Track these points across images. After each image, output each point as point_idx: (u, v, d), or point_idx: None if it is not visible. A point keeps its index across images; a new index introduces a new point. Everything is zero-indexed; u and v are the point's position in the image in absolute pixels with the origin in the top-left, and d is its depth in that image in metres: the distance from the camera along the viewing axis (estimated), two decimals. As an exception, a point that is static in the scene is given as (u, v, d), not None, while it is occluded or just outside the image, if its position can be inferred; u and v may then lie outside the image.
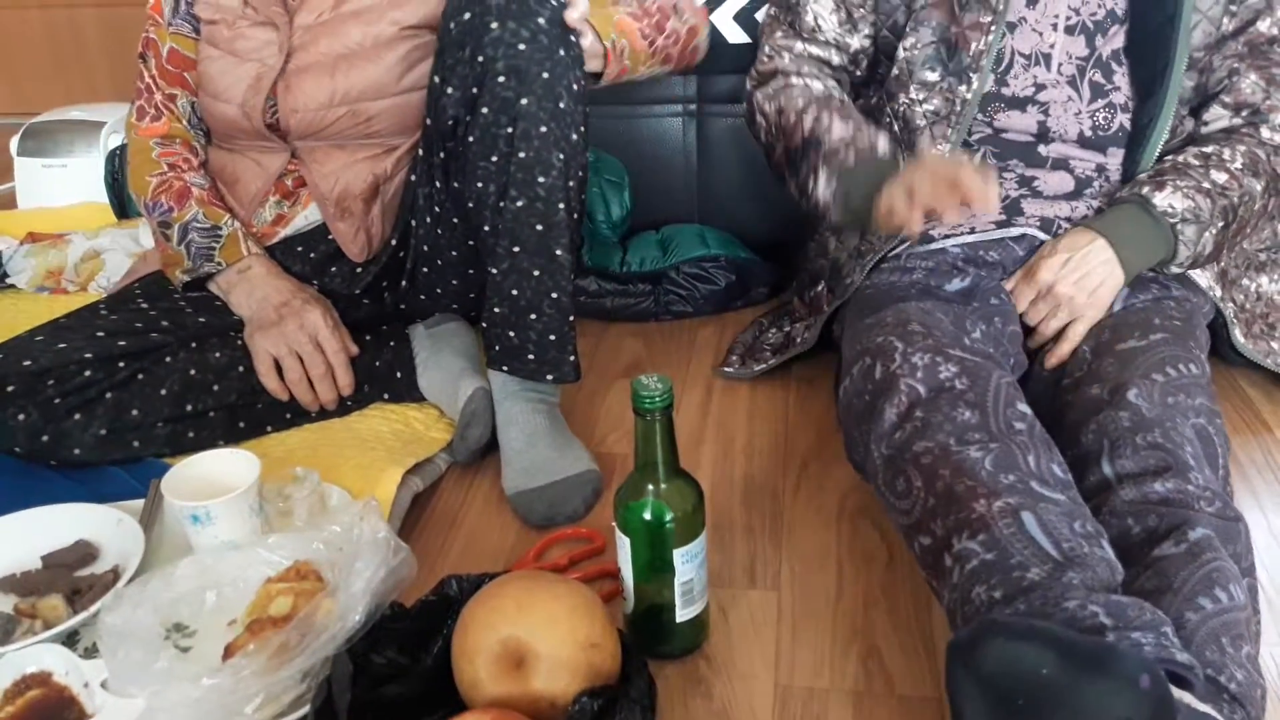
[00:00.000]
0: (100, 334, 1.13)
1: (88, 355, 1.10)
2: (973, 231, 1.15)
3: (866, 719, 0.83)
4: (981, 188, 0.93)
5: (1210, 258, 1.11)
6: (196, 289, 1.23)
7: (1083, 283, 1.05)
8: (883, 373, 0.90)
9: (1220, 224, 1.08)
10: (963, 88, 1.12)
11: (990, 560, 0.74)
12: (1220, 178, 1.08)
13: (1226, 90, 1.14)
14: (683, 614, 0.87)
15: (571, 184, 1.07)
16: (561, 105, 1.03)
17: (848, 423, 0.96)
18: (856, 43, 1.23)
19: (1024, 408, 0.86)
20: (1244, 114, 1.13)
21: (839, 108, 1.17)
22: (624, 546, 0.86)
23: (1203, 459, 0.86)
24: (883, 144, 1.11)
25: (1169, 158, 1.12)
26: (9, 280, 1.63)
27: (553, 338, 1.10)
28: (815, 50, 1.25)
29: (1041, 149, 1.14)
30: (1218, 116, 1.14)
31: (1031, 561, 0.73)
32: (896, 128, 1.18)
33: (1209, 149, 1.11)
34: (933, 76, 1.14)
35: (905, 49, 1.16)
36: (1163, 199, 1.06)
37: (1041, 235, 1.12)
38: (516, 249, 1.07)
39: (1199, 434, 0.88)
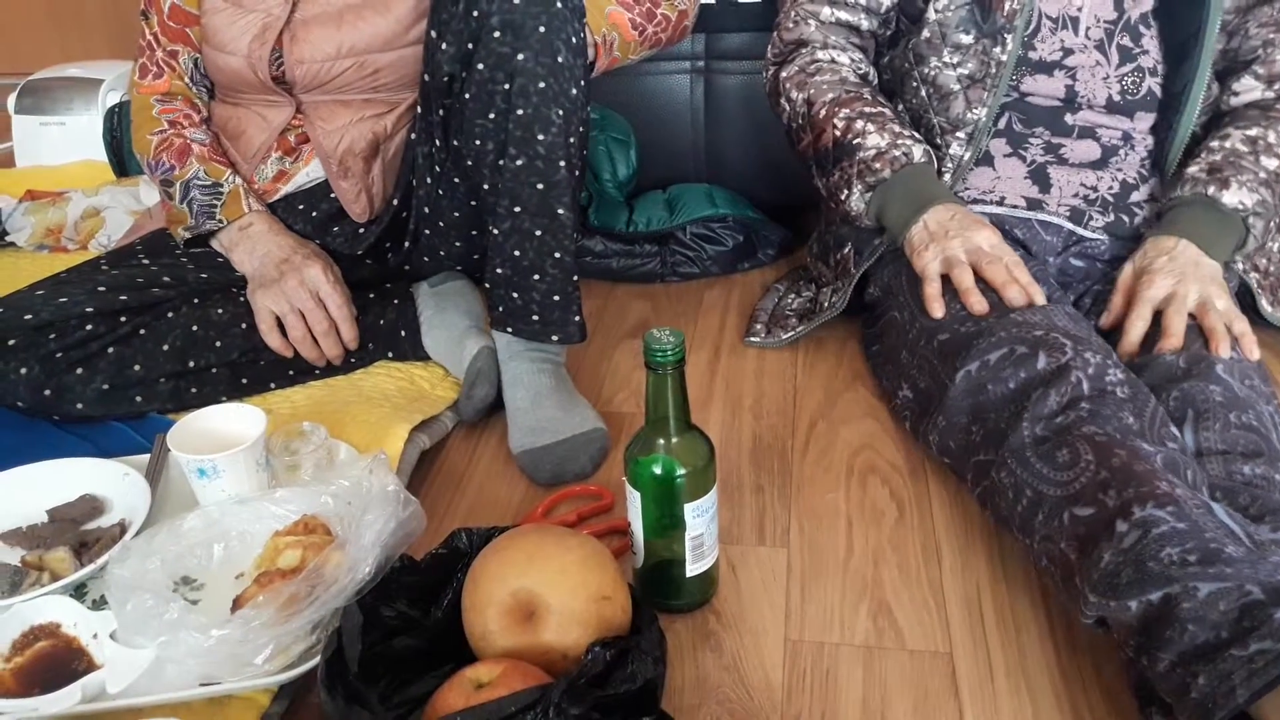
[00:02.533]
0: (101, 288, 1.12)
1: (88, 309, 1.09)
2: (1001, 202, 1.14)
3: (876, 673, 0.83)
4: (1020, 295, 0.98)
5: (1261, 248, 1.10)
6: (199, 245, 1.22)
7: (1199, 271, 1.01)
8: (1049, 363, 0.88)
9: (1278, 212, 1.07)
10: (997, 50, 1.10)
11: (1183, 528, 0.71)
12: (1272, 164, 1.07)
13: (1260, 61, 1.12)
14: (693, 569, 0.87)
15: (572, 140, 1.05)
16: (560, 60, 1.01)
17: (959, 407, 0.94)
18: (888, 0, 1.21)
19: (1174, 431, 0.85)
20: (1277, 87, 1.12)
21: (870, 105, 1.15)
22: (634, 501, 0.85)
23: None
24: (918, 152, 1.11)
25: (1214, 144, 1.10)
26: (9, 238, 1.62)
27: (557, 298, 1.09)
28: (844, 15, 1.22)
29: (1068, 118, 1.13)
30: (1249, 88, 1.12)
31: (1226, 541, 0.71)
32: (926, 93, 1.16)
33: (1253, 132, 1.09)
34: (967, 39, 1.12)
35: (937, 11, 1.13)
36: (1231, 197, 1.04)
37: (1070, 226, 1.11)
38: (518, 209, 1.05)
39: (1273, 419, 0.88)
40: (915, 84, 1.17)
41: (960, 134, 1.14)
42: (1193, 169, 1.09)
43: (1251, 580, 0.68)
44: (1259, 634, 0.65)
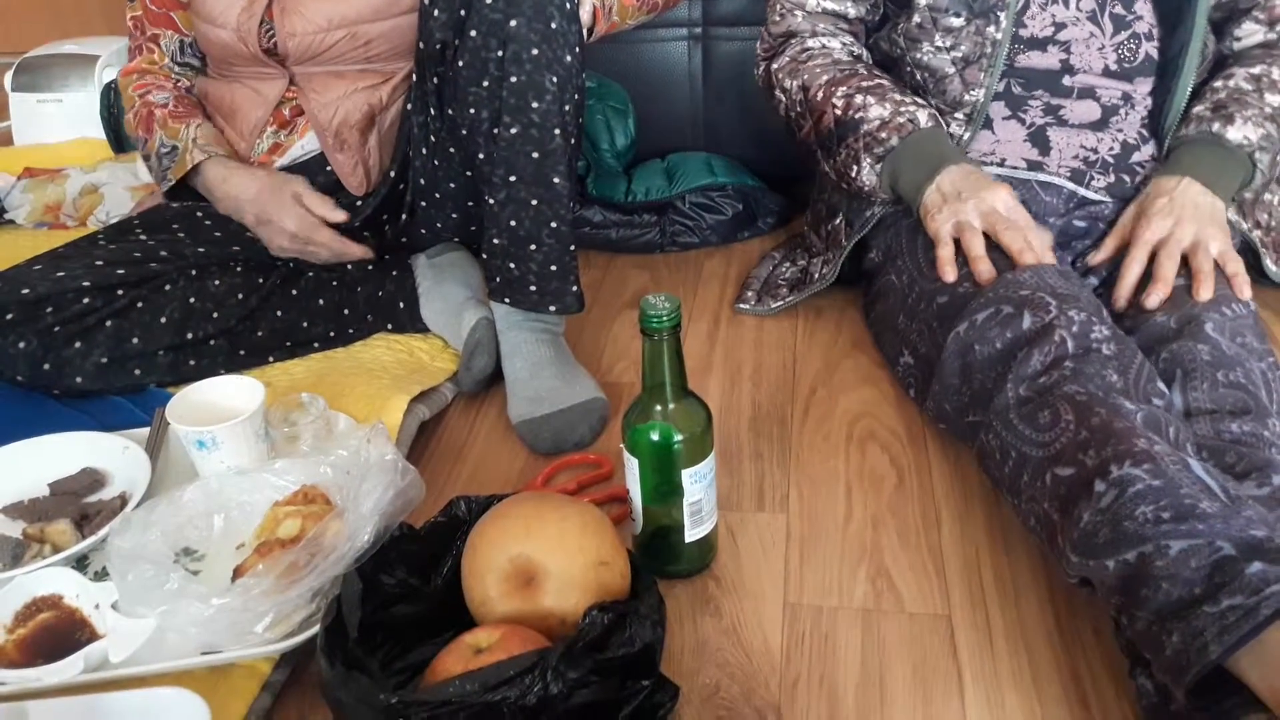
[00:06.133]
0: (99, 263, 1.12)
1: (86, 283, 1.09)
2: (1001, 164, 1.12)
3: (875, 636, 0.83)
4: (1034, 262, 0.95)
5: (1269, 183, 1.09)
6: (188, 217, 1.22)
7: (1197, 213, 1.00)
8: (1034, 322, 0.87)
9: None
10: (991, 28, 1.09)
11: (1158, 486, 0.71)
12: (1276, 100, 1.06)
13: (1259, 7, 1.12)
14: (691, 534, 0.87)
15: (567, 108, 1.04)
16: (553, 26, 1.00)
17: (951, 368, 0.93)
18: None
19: (1162, 386, 0.85)
20: (1279, 28, 1.11)
21: (866, 79, 1.14)
22: (632, 468, 0.85)
23: (1275, 404, 0.85)
24: (923, 117, 1.09)
25: (1217, 84, 1.09)
26: (7, 216, 1.62)
27: (554, 268, 1.09)
28: (829, 4, 1.20)
29: (1066, 80, 1.12)
30: (1251, 32, 1.12)
31: (1201, 496, 0.70)
32: (920, 77, 1.15)
33: (1256, 70, 1.09)
34: (958, 22, 1.11)
35: None
36: (1236, 132, 1.04)
37: (1071, 186, 1.10)
38: (513, 178, 1.05)
39: (1263, 376, 0.87)
40: (909, 69, 1.16)
41: (959, 114, 1.13)
42: (1198, 108, 1.09)
43: (1223, 536, 0.68)
44: (1229, 589, 0.65)
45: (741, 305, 1.33)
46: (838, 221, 1.23)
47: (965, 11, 1.10)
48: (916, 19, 1.13)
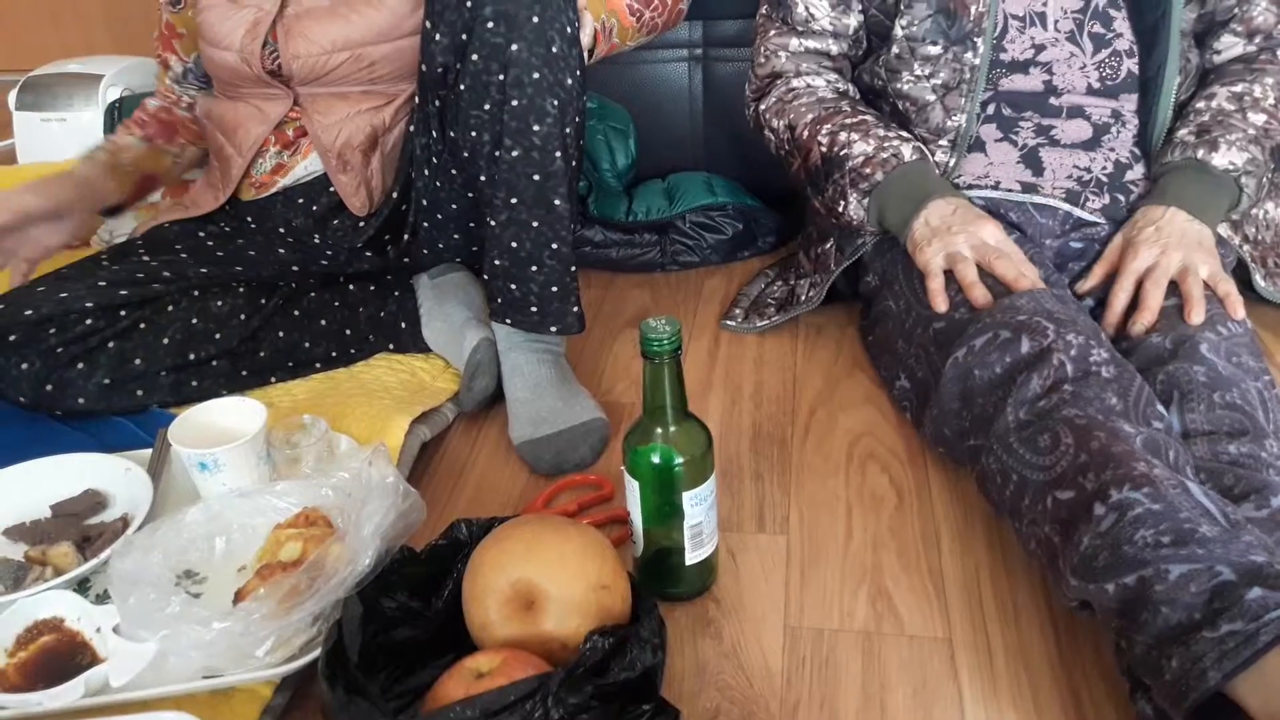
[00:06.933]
0: (101, 283, 1.12)
1: (89, 304, 1.09)
2: (997, 186, 1.13)
3: (876, 659, 0.83)
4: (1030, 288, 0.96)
5: (1256, 204, 1.10)
6: (190, 238, 1.23)
7: (1184, 240, 1.01)
8: (1032, 346, 0.87)
9: (1272, 166, 1.07)
10: (969, 55, 1.10)
11: (1157, 510, 0.71)
12: (1259, 119, 1.07)
13: (1237, 19, 1.12)
14: (692, 557, 0.87)
15: (568, 131, 1.05)
16: (554, 49, 1.01)
17: (950, 393, 0.94)
18: (853, 22, 1.20)
19: (1161, 409, 0.85)
20: (1257, 40, 1.12)
21: (850, 116, 1.15)
22: (633, 490, 0.85)
23: (1272, 424, 0.86)
24: (907, 151, 1.10)
25: (1200, 105, 1.10)
26: (10, 235, 1.62)
27: (555, 289, 1.09)
28: (811, 43, 1.22)
29: (1053, 100, 1.13)
30: (1230, 45, 1.13)
31: (1201, 520, 0.71)
32: (903, 107, 1.16)
33: (1238, 88, 1.10)
34: (935, 50, 1.12)
35: (903, 27, 1.13)
36: (1221, 158, 1.05)
37: (1066, 207, 1.11)
38: (514, 200, 1.05)
39: (1260, 396, 0.88)
40: (891, 99, 1.17)
41: (943, 141, 1.14)
42: (1181, 132, 1.09)
43: (1222, 561, 0.68)
44: (1229, 615, 0.65)
45: (728, 322, 1.34)
46: (828, 246, 1.24)
47: (942, 39, 1.11)
48: (895, 50, 1.14)
